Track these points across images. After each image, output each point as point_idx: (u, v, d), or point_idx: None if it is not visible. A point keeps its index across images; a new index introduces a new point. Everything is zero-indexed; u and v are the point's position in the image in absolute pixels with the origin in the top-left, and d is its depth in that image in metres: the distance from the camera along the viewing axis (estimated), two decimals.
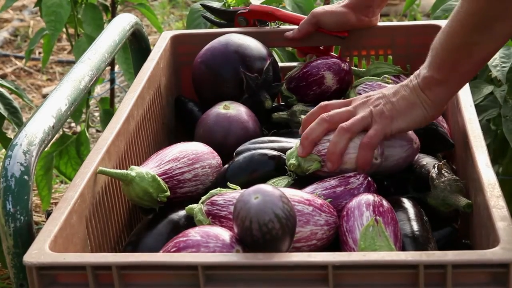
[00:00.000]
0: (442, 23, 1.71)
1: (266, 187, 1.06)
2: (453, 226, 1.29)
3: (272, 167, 1.32)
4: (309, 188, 1.26)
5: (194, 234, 1.10)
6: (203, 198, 1.23)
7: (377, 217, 1.13)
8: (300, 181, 1.30)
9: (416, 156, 1.35)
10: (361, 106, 1.28)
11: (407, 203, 1.24)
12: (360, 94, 1.51)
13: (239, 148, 1.41)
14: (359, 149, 1.27)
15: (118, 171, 1.27)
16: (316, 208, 1.16)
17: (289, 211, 1.05)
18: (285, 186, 1.27)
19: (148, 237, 1.26)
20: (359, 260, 1.00)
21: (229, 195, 1.21)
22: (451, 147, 1.42)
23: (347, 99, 1.33)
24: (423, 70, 1.26)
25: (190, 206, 1.24)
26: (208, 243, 1.08)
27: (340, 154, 1.27)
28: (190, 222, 1.25)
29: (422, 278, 0.99)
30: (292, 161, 1.30)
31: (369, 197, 1.18)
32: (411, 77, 1.28)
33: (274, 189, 1.06)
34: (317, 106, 1.34)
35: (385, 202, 1.18)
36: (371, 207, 1.16)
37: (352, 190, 1.24)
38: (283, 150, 1.37)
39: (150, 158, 1.35)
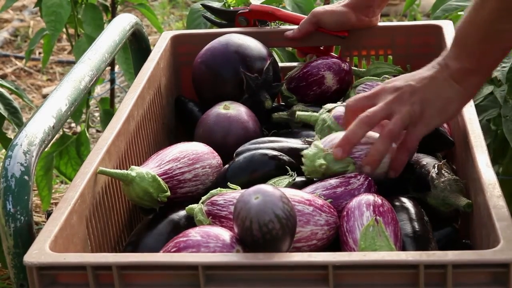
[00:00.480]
0: (442, 23, 1.72)
1: (266, 187, 1.06)
2: (453, 226, 1.29)
3: (273, 167, 1.32)
4: (309, 188, 1.26)
5: (194, 234, 1.10)
6: (203, 198, 1.23)
7: (377, 217, 1.13)
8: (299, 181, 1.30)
9: (416, 156, 1.35)
10: (397, 103, 1.25)
11: (407, 203, 1.24)
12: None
13: (239, 149, 1.41)
14: (397, 153, 1.26)
15: (118, 171, 1.27)
16: (317, 208, 1.16)
17: (290, 211, 1.05)
18: (285, 186, 1.27)
19: (148, 237, 1.26)
20: (359, 260, 1.00)
21: (229, 195, 1.21)
22: (451, 145, 1.42)
23: (375, 91, 1.29)
24: (451, 61, 1.24)
25: (190, 206, 1.24)
26: (208, 243, 1.08)
27: (381, 159, 1.26)
28: (191, 222, 1.25)
29: (422, 278, 0.99)
30: (321, 161, 1.27)
31: (369, 197, 1.18)
32: (436, 69, 1.26)
33: (275, 189, 1.06)
34: (351, 99, 1.31)
35: (385, 202, 1.19)
36: (371, 207, 1.16)
37: (353, 191, 1.24)
38: (284, 150, 1.37)
39: (150, 158, 1.35)
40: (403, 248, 1.14)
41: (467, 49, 1.22)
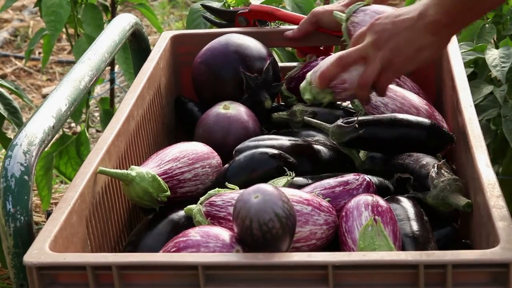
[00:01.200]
0: None
1: (266, 187, 1.06)
2: (453, 226, 1.29)
3: (273, 166, 1.32)
4: (308, 188, 1.27)
5: (194, 234, 1.10)
6: (201, 199, 1.23)
7: (376, 217, 1.13)
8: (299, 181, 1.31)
9: (416, 156, 1.35)
10: (372, 48, 1.33)
11: (407, 203, 1.24)
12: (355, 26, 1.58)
13: (239, 146, 1.41)
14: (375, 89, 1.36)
15: (118, 171, 1.27)
16: (315, 208, 1.17)
17: (289, 210, 1.05)
18: (283, 186, 1.27)
19: (148, 237, 1.26)
20: (359, 260, 1.00)
21: (228, 196, 1.21)
22: (451, 140, 1.42)
23: (363, 30, 1.36)
24: (429, 11, 1.29)
25: (189, 207, 1.24)
26: (208, 243, 1.08)
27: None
28: (190, 222, 1.25)
29: (422, 278, 0.99)
30: (307, 95, 1.39)
31: (367, 198, 1.18)
32: (414, 16, 1.31)
33: (274, 189, 1.06)
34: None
35: (383, 202, 1.19)
36: (369, 207, 1.16)
37: (351, 190, 1.25)
38: (283, 147, 1.37)
39: (150, 158, 1.35)
40: (402, 248, 1.14)
41: (446, 4, 1.27)
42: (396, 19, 1.32)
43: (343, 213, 1.18)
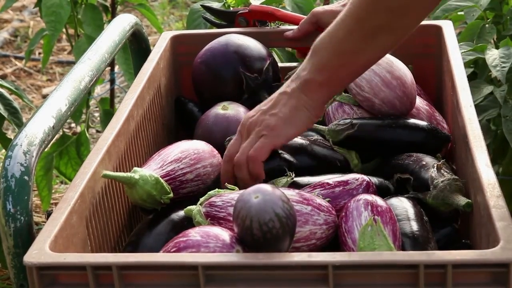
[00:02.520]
0: (442, 23, 1.72)
1: (266, 187, 1.06)
2: (453, 226, 1.29)
3: (274, 165, 1.32)
4: (307, 188, 1.27)
5: (194, 234, 1.10)
6: (201, 199, 1.23)
7: (375, 217, 1.13)
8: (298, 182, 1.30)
9: (416, 156, 1.35)
10: (247, 132, 1.30)
11: (407, 203, 1.24)
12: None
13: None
14: (248, 162, 1.28)
15: (122, 174, 1.27)
16: (315, 208, 1.17)
17: (289, 210, 1.05)
18: (283, 186, 1.27)
19: (148, 237, 1.26)
20: (359, 260, 1.00)
21: (228, 196, 1.21)
22: (447, 139, 1.42)
23: (239, 131, 1.33)
24: (302, 72, 1.27)
25: (188, 207, 1.24)
26: (208, 243, 1.08)
27: (226, 180, 1.30)
28: (190, 222, 1.25)
29: (422, 278, 0.99)
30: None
31: (367, 198, 1.18)
32: (288, 82, 1.29)
33: (274, 189, 1.06)
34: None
35: (383, 202, 1.19)
36: (369, 207, 1.16)
37: (351, 191, 1.25)
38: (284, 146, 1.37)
39: (152, 158, 1.35)
40: (402, 248, 1.14)
41: (321, 61, 1.25)
42: (265, 102, 1.31)
43: (343, 214, 1.18)
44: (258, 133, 1.29)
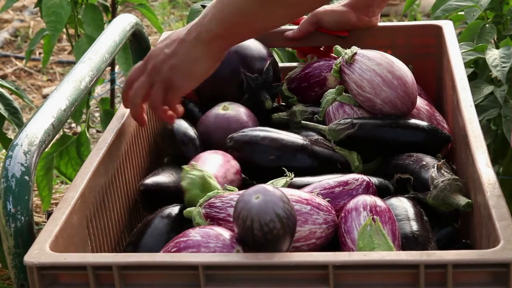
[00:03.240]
0: (443, 23, 1.72)
1: (266, 187, 1.06)
2: (453, 226, 1.29)
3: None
4: (307, 188, 1.27)
5: (194, 234, 1.10)
6: (200, 201, 1.23)
7: (374, 216, 1.14)
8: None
9: (416, 156, 1.35)
10: (154, 73, 1.34)
11: (407, 203, 1.24)
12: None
13: (236, 135, 1.41)
14: (151, 109, 1.37)
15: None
16: (314, 207, 1.17)
17: (290, 210, 1.05)
18: (283, 186, 1.27)
19: (148, 237, 1.26)
20: (359, 260, 1.00)
21: (227, 197, 1.21)
22: (449, 139, 1.42)
23: (145, 60, 1.38)
24: (203, 20, 1.30)
25: (188, 209, 1.24)
26: (208, 243, 1.08)
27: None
28: (191, 222, 1.25)
29: (423, 278, 0.99)
30: None
31: (366, 198, 1.19)
32: (190, 26, 1.32)
33: (275, 189, 1.06)
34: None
35: (381, 202, 1.19)
36: (368, 207, 1.17)
37: (351, 191, 1.25)
38: (283, 141, 1.38)
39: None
40: (402, 248, 1.14)
41: (221, 14, 1.27)
42: (169, 41, 1.34)
43: (342, 214, 1.18)
44: (158, 83, 1.34)
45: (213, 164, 1.36)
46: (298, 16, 1.25)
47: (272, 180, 1.30)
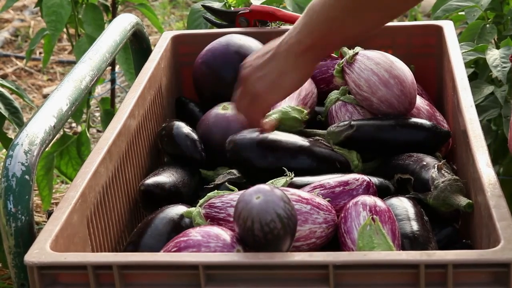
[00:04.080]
0: (443, 23, 1.72)
1: (267, 187, 1.06)
2: (453, 226, 1.29)
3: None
4: (307, 188, 1.27)
5: (195, 234, 1.10)
6: (201, 201, 1.23)
7: (374, 216, 1.14)
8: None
9: (416, 156, 1.35)
10: (242, 85, 1.35)
11: (407, 203, 1.24)
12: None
13: (236, 137, 1.42)
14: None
15: None
16: (314, 207, 1.17)
17: (291, 210, 1.05)
18: (282, 186, 1.27)
19: (149, 237, 1.26)
20: (360, 260, 1.00)
21: (227, 197, 1.21)
22: (448, 135, 1.42)
23: (240, 83, 1.37)
24: (293, 32, 1.28)
25: (188, 210, 1.24)
26: (209, 243, 1.08)
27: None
28: (191, 222, 1.25)
29: (423, 277, 0.99)
30: None
31: (365, 198, 1.19)
32: (282, 39, 1.30)
33: (275, 189, 1.06)
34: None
35: (381, 202, 1.19)
36: (367, 207, 1.17)
37: (351, 191, 1.25)
38: (282, 142, 1.39)
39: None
40: (403, 247, 1.14)
41: (311, 24, 1.25)
42: (261, 52, 1.33)
43: (342, 214, 1.18)
44: (244, 93, 1.34)
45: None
46: (390, 19, 1.23)
47: (272, 180, 1.30)
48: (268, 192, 1.05)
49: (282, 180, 1.30)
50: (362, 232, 1.12)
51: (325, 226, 1.17)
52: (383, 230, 1.11)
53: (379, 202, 1.19)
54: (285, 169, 1.31)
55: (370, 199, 1.18)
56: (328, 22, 1.23)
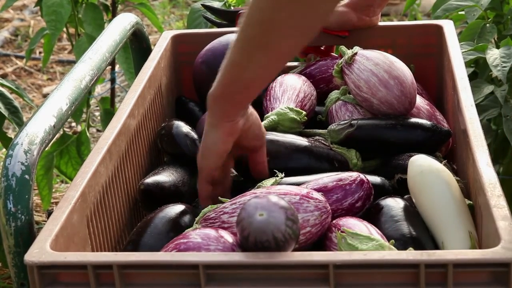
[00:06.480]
0: (443, 22, 1.72)
1: (274, 206, 1.04)
2: None
3: None
4: (302, 185, 1.27)
5: (195, 236, 1.10)
6: (197, 218, 1.23)
7: (340, 228, 1.14)
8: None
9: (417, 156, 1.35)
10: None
11: (406, 203, 1.24)
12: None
13: None
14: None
15: None
16: (303, 197, 1.16)
17: (291, 234, 1.04)
18: (272, 185, 1.27)
19: (148, 236, 1.26)
20: (360, 260, 1.00)
21: (219, 207, 1.21)
22: (448, 134, 1.42)
23: None
24: (210, 95, 1.26)
25: (187, 230, 1.23)
26: (209, 245, 1.08)
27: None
28: (191, 221, 1.25)
29: (423, 277, 0.99)
30: None
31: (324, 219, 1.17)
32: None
33: (282, 210, 1.04)
34: None
35: (326, 210, 1.18)
36: (333, 227, 1.17)
37: (344, 186, 1.24)
38: (279, 142, 1.39)
39: None
40: (400, 249, 1.14)
41: (219, 74, 1.23)
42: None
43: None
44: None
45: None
46: (279, 58, 1.17)
47: (263, 181, 1.30)
48: (272, 213, 1.03)
49: (271, 180, 1.30)
50: (344, 247, 1.12)
51: (317, 213, 1.16)
52: (355, 231, 1.12)
53: (328, 214, 1.17)
54: (276, 171, 1.31)
55: (325, 216, 1.17)
56: (229, 68, 1.20)
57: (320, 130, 1.48)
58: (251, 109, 1.31)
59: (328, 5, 1.09)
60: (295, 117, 1.47)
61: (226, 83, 1.22)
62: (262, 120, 1.47)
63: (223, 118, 1.26)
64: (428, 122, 1.42)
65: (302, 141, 1.41)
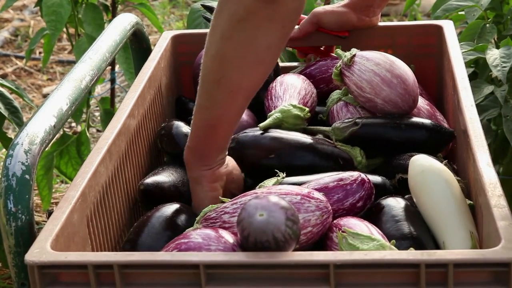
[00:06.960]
0: (443, 23, 1.72)
1: (273, 206, 1.04)
2: None
3: None
4: (304, 185, 1.27)
5: (195, 236, 1.10)
6: (198, 218, 1.23)
7: (341, 228, 1.14)
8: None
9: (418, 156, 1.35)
10: None
11: (406, 203, 1.24)
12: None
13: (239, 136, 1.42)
14: None
15: None
16: (304, 196, 1.16)
17: (291, 234, 1.04)
18: (273, 185, 1.27)
19: (145, 235, 1.26)
20: (360, 259, 1.00)
21: (220, 207, 1.21)
22: (451, 135, 1.42)
23: None
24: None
25: (187, 229, 1.23)
26: (209, 245, 1.08)
27: None
28: (189, 220, 1.25)
29: (424, 277, 0.99)
30: None
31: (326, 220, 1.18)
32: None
33: (282, 210, 1.04)
34: None
35: (327, 210, 1.18)
36: (333, 227, 1.17)
37: (345, 185, 1.24)
38: (282, 140, 1.39)
39: None
40: (401, 249, 1.14)
41: (192, 121, 1.26)
42: None
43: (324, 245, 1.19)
44: None
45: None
46: (237, 94, 1.19)
47: (265, 181, 1.30)
48: (272, 213, 1.03)
49: (272, 180, 1.30)
50: (344, 247, 1.12)
51: (318, 213, 1.16)
52: (356, 231, 1.12)
53: (329, 214, 1.18)
54: (277, 170, 1.32)
55: (326, 216, 1.18)
56: (198, 112, 1.23)
57: (324, 128, 1.48)
58: (228, 158, 1.34)
59: (268, 39, 1.12)
60: (299, 113, 1.47)
61: (195, 130, 1.25)
62: (265, 119, 1.48)
63: (201, 167, 1.29)
64: (433, 123, 1.42)
65: (306, 138, 1.41)
